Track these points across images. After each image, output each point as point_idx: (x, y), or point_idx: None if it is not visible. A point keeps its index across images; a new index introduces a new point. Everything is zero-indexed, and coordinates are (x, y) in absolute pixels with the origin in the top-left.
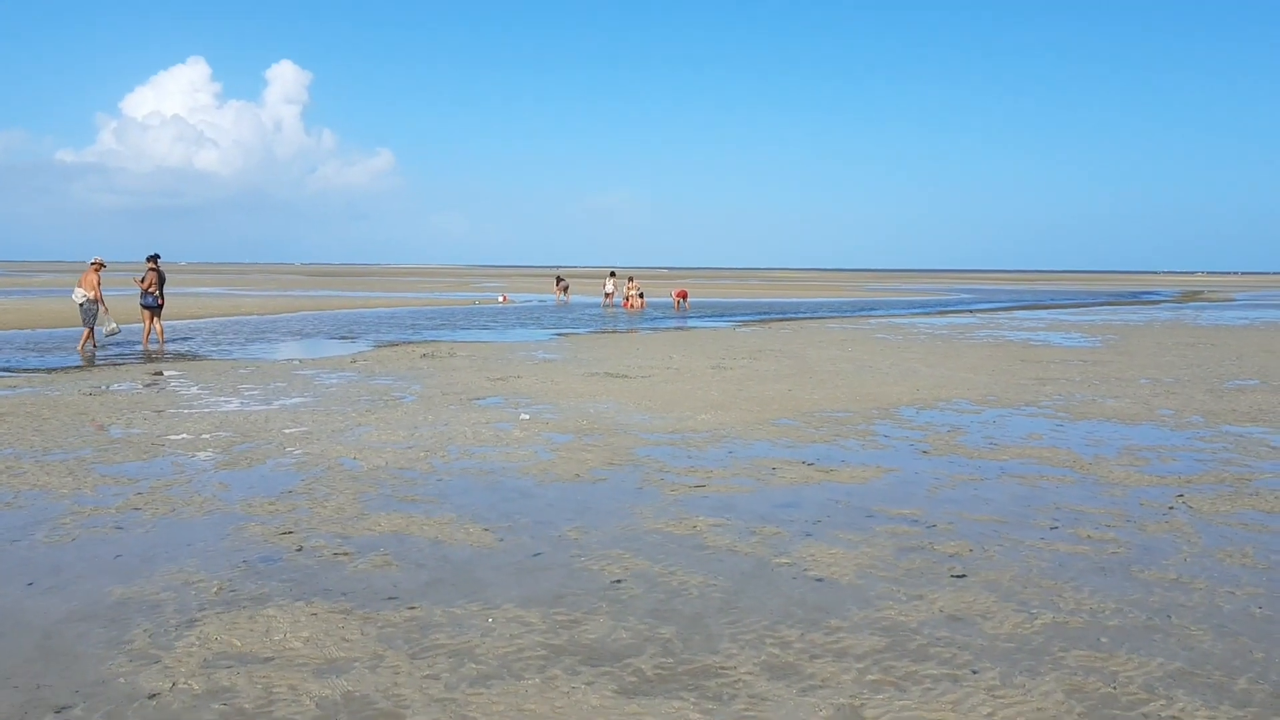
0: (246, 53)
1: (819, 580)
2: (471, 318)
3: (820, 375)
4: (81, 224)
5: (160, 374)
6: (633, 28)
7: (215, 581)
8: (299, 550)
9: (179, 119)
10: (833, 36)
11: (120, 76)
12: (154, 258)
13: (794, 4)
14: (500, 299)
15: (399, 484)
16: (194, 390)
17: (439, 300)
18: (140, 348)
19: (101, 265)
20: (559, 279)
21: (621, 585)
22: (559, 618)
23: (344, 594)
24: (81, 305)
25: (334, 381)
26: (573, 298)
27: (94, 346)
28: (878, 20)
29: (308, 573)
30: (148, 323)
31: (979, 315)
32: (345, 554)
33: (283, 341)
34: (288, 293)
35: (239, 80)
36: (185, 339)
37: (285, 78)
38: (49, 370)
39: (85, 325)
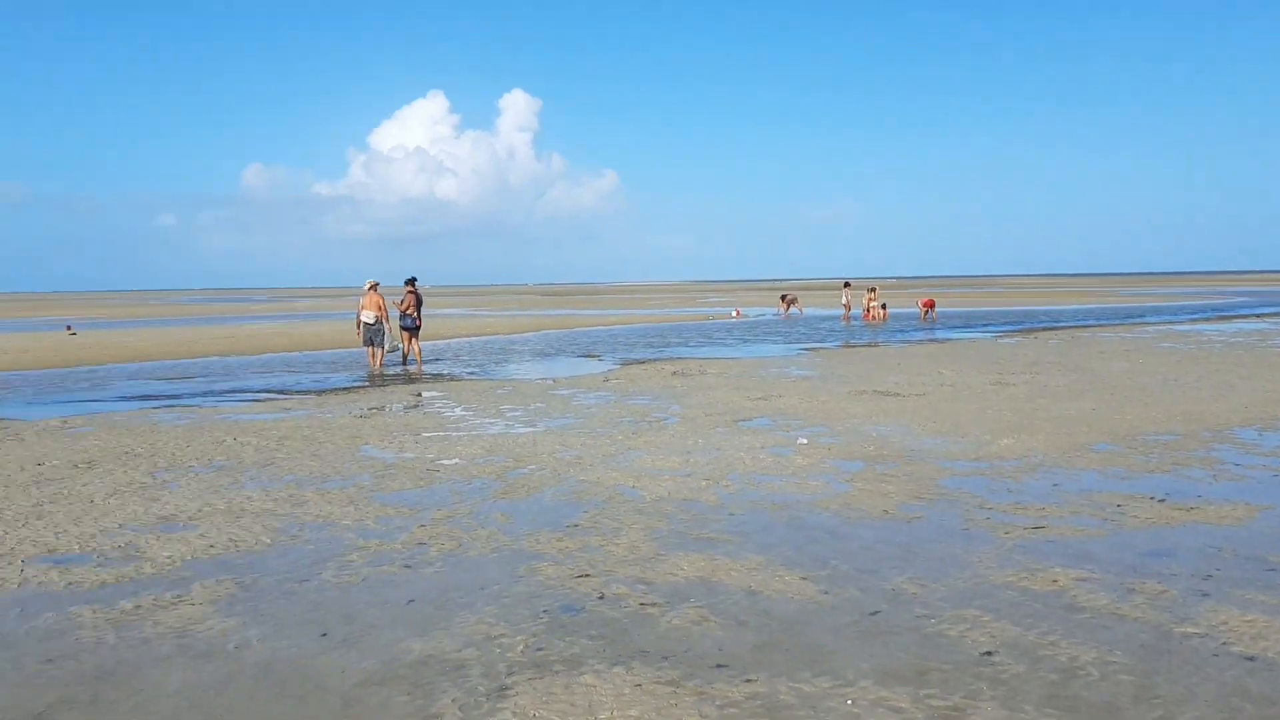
0: (481, 84)
1: (1250, 659)
2: (708, 333)
3: (1121, 391)
4: (334, 253)
5: (423, 395)
6: (848, 44)
7: (519, 637)
8: (601, 598)
9: (421, 150)
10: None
11: (369, 113)
12: (412, 281)
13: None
14: (733, 314)
15: (689, 519)
16: (458, 412)
17: (670, 316)
18: (400, 369)
19: (376, 285)
20: (784, 295)
21: (995, 659)
22: (935, 703)
23: (665, 658)
24: (370, 325)
25: (592, 401)
26: (805, 310)
27: (381, 365)
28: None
29: (617, 627)
30: (406, 344)
31: (1269, 320)
32: (653, 605)
33: (532, 360)
34: (526, 312)
35: (475, 111)
36: (440, 359)
37: (517, 106)
38: (318, 393)
39: (372, 345)
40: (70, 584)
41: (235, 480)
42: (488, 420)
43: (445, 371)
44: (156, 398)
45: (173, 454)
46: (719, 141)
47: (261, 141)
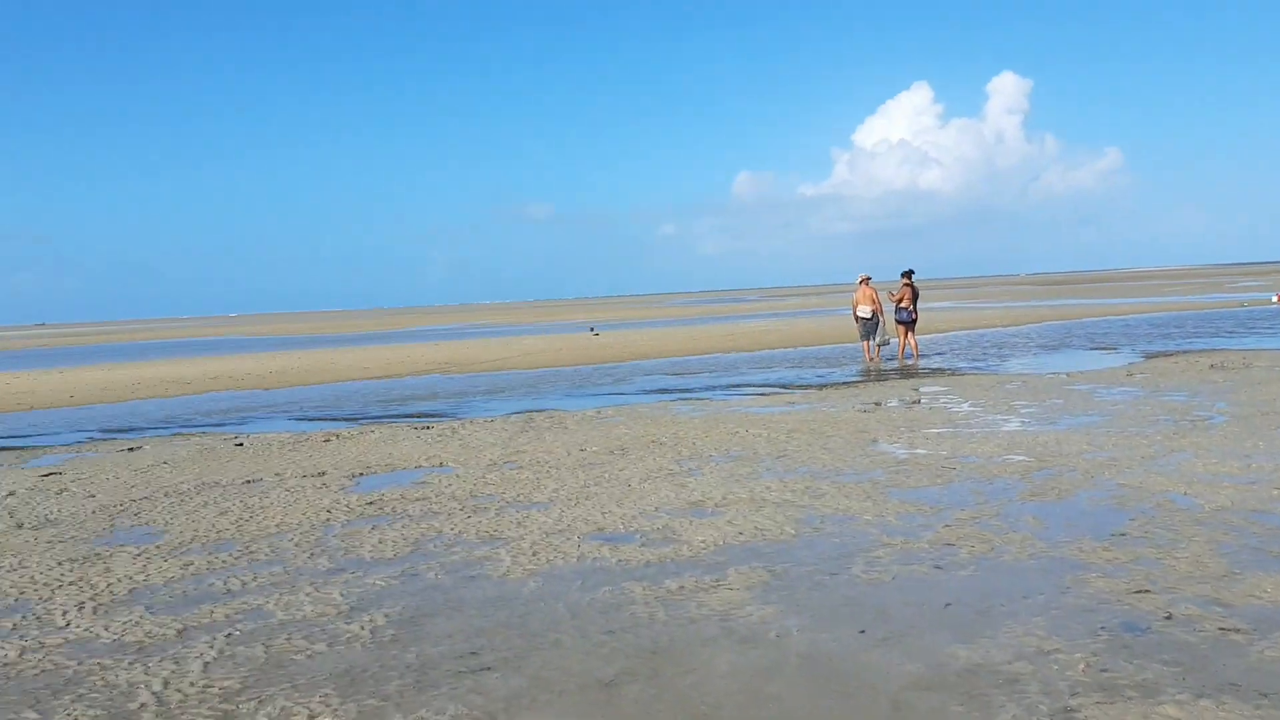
0: (967, 71)
1: None
2: (1246, 321)
3: None
4: (818, 250)
5: (925, 390)
6: None
7: (1077, 654)
8: (1168, 618)
9: (904, 143)
10: None
11: (852, 111)
12: (909, 273)
13: None
14: (1274, 299)
15: (1265, 534)
16: (966, 408)
17: (1192, 304)
18: (897, 363)
19: (868, 279)
20: None
21: None
22: None
23: (1263, 695)
24: (866, 320)
25: (1117, 397)
26: None
27: (876, 358)
28: None
29: (1195, 654)
30: (903, 338)
31: None
32: (1235, 631)
33: (1036, 353)
34: (1022, 303)
35: (960, 99)
36: (935, 353)
37: (1005, 89)
38: (819, 387)
39: (865, 339)
40: (620, 561)
41: (753, 470)
42: (1000, 417)
43: (944, 366)
44: (672, 391)
45: (693, 443)
46: (1236, 107)
47: (750, 150)
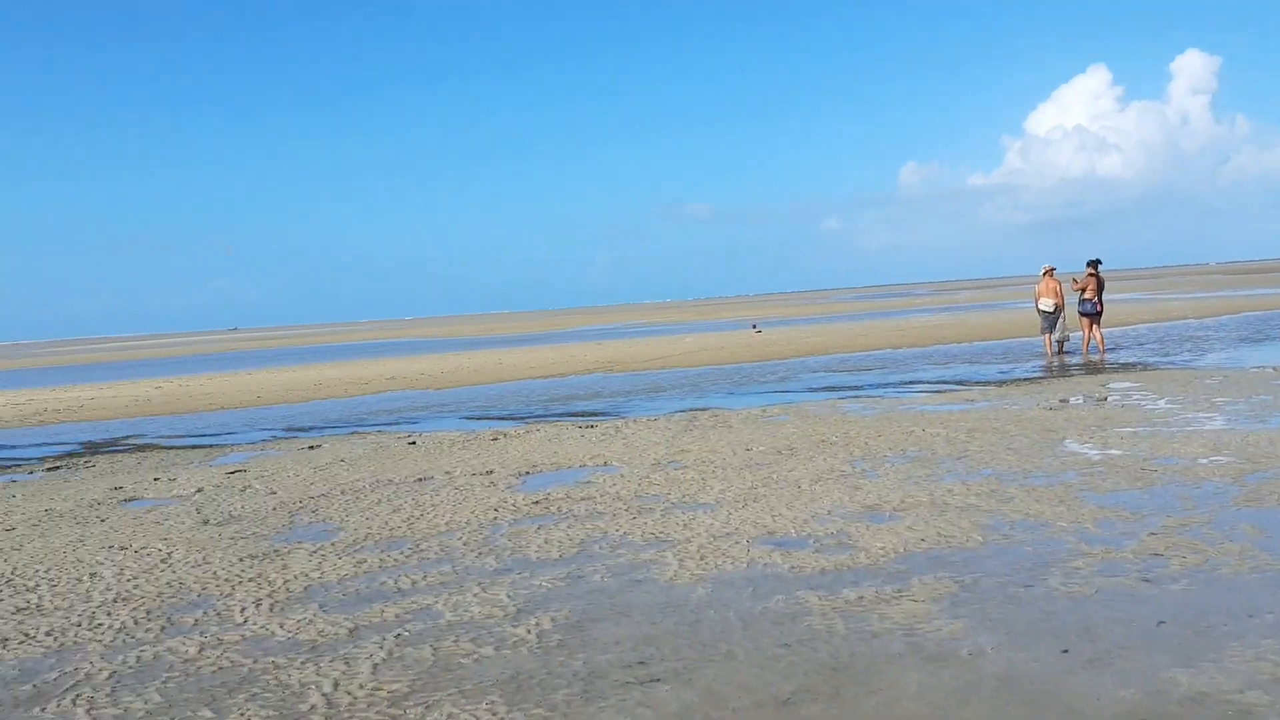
0: (1148, 51)
1: None
2: None
3: None
4: (989, 242)
5: (1114, 386)
6: None
7: None
8: None
9: (1080, 129)
10: None
11: (1023, 97)
12: (1095, 263)
13: None
14: None
15: None
16: (1162, 405)
17: None
18: (1080, 357)
19: (1052, 270)
20: None
21: None
22: None
23: None
24: (1048, 313)
25: None
26: None
27: (1058, 354)
28: None
29: None
30: (1087, 330)
31: None
32: None
33: (1234, 346)
34: (1214, 294)
35: (1140, 80)
36: (1121, 347)
37: (1191, 68)
38: (998, 383)
39: (1045, 333)
40: (794, 568)
41: (932, 472)
42: (1201, 414)
43: (1132, 360)
44: (840, 389)
45: (865, 443)
46: None
47: (916, 140)
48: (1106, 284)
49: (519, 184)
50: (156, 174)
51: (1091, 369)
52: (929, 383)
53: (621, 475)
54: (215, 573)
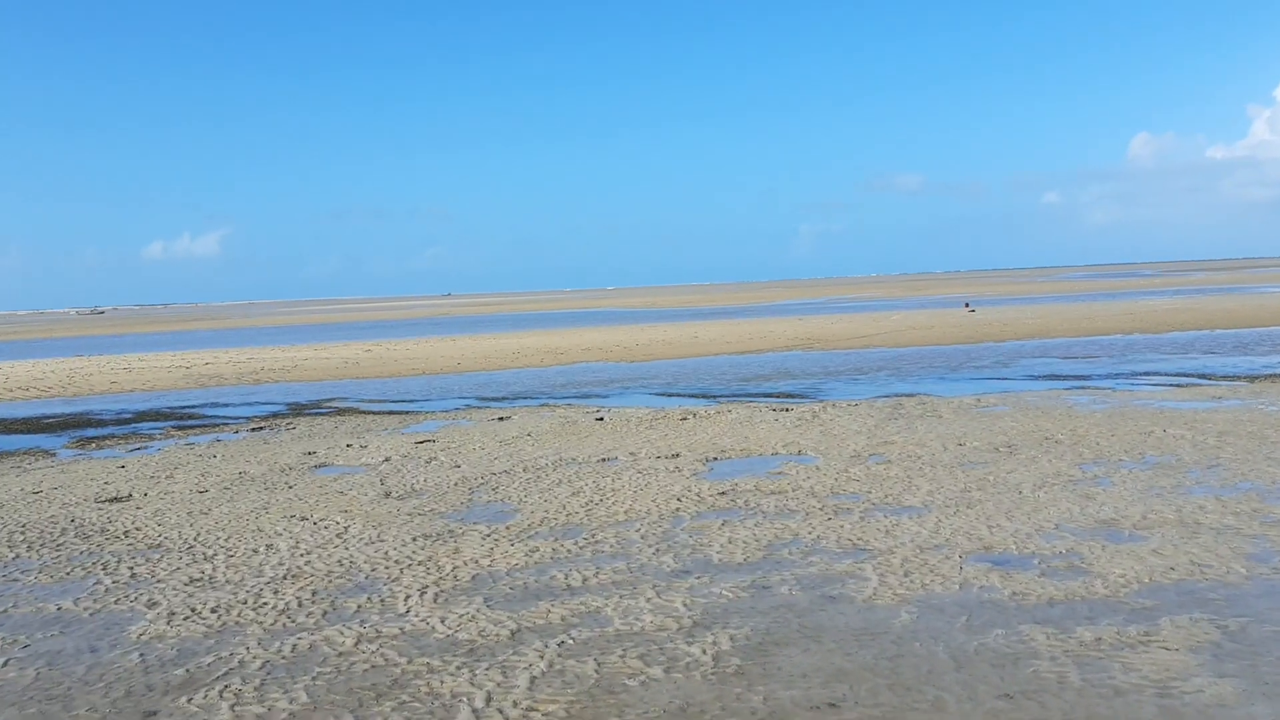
0: None
1: None
2: None
3: None
4: (1225, 220)
5: None
6: None
7: None
8: None
9: None
10: None
11: (1272, 62)
12: None
13: None
14: None
15: None
16: None
17: None
18: None
19: None
20: None
21: None
22: None
23: None
24: None
25: None
26: None
27: None
28: None
29: None
30: None
31: None
32: None
33: None
34: None
35: None
36: None
37: None
38: (1249, 378)
39: None
40: (1015, 594)
41: (1178, 482)
42: None
43: None
44: (1064, 378)
45: (1096, 443)
46: None
47: (1149, 108)
48: None
49: (723, 155)
50: (375, 146)
51: None
52: (1167, 375)
53: (817, 467)
54: (387, 552)
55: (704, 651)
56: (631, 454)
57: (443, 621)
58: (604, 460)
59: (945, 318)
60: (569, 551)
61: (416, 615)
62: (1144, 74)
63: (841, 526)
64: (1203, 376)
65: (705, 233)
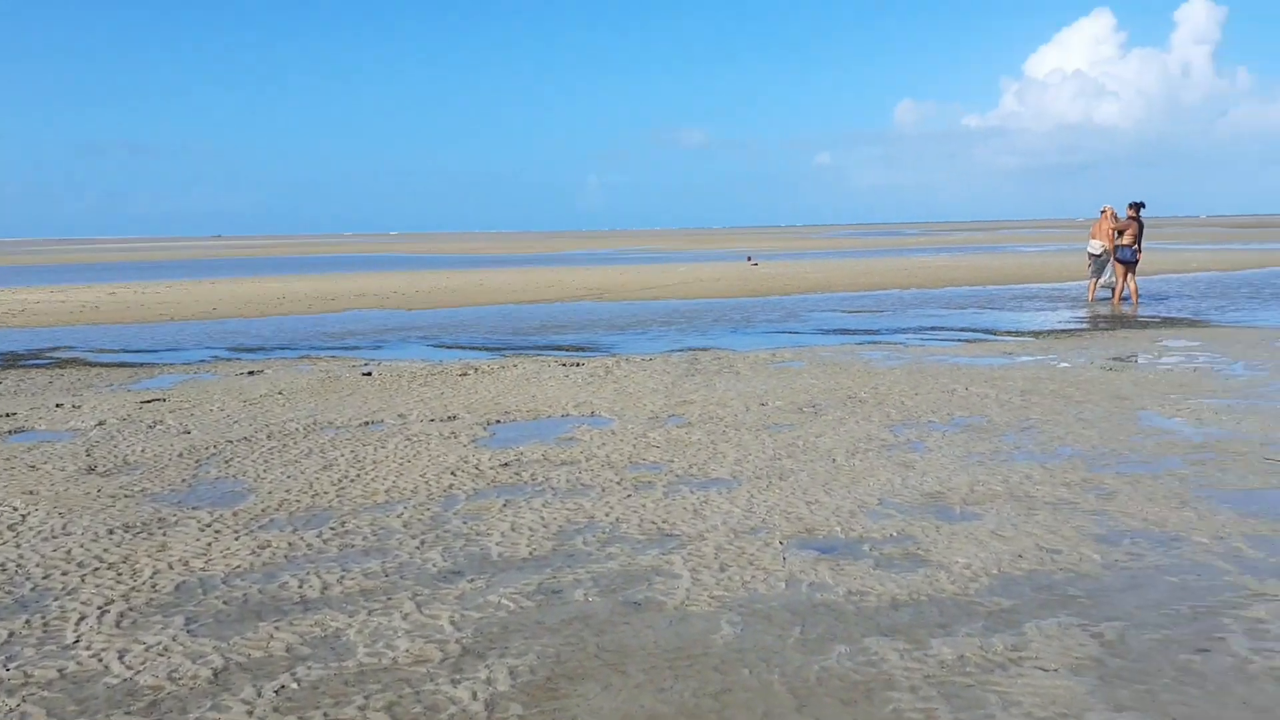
0: None
1: None
2: None
3: None
4: (979, 185)
5: (1172, 344)
6: None
7: None
8: None
9: (1080, 74)
10: None
11: (1024, 39)
12: (1137, 206)
13: None
14: None
15: None
16: (1239, 370)
17: None
18: (1109, 306)
19: (1110, 212)
20: None
21: None
22: None
23: None
24: (1096, 255)
25: None
26: None
27: (1096, 301)
28: None
29: None
30: (1121, 279)
31: None
32: None
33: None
34: (1224, 246)
35: (1144, 27)
36: (1156, 298)
37: (1196, 18)
38: (1035, 334)
39: (1093, 277)
40: (852, 594)
41: (995, 447)
42: None
43: (1175, 314)
44: (854, 332)
45: (901, 402)
46: None
47: (913, 77)
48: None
49: (511, 102)
50: (140, 77)
51: (1137, 323)
52: (954, 330)
53: (612, 431)
54: (70, 550)
55: (474, 696)
56: (401, 416)
57: (121, 658)
58: (367, 424)
59: (731, 270)
60: (310, 547)
61: (88, 647)
62: (909, 43)
63: (644, 506)
64: (988, 332)
65: (493, 181)
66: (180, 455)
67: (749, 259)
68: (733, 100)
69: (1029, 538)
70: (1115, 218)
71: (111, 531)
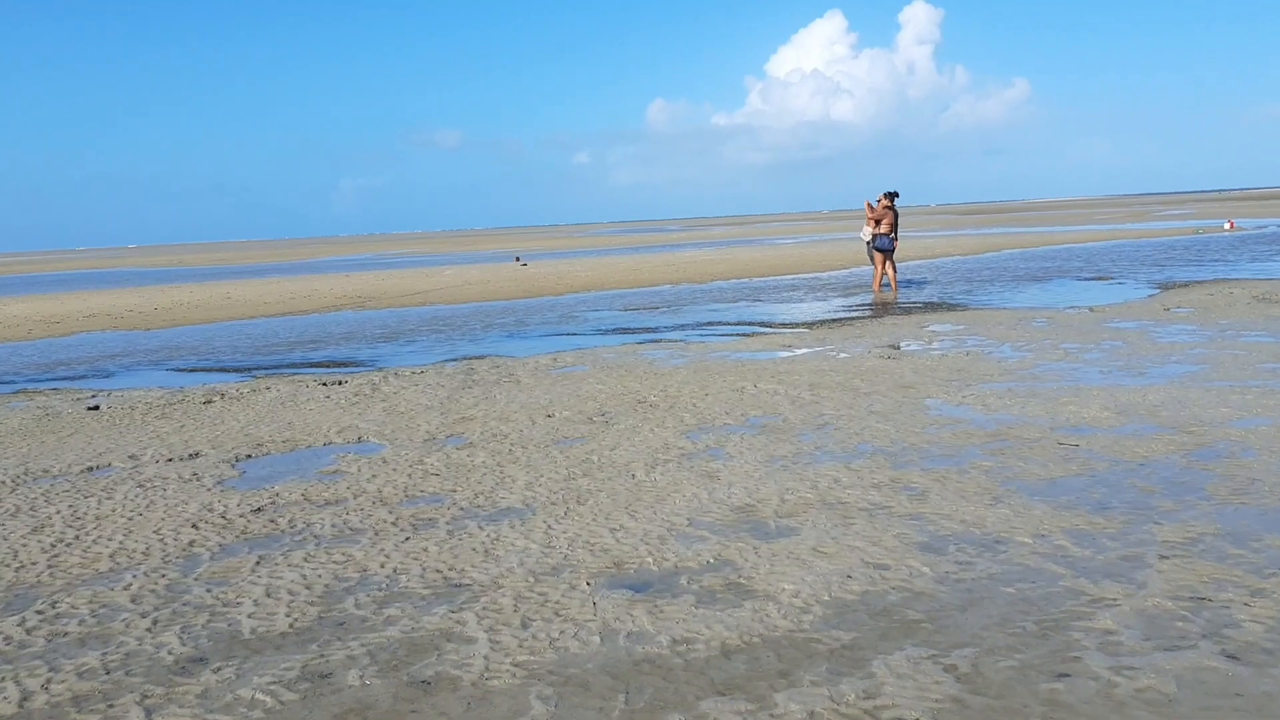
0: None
1: None
2: (1220, 250)
3: None
4: (730, 181)
5: (937, 328)
6: None
7: None
8: None
9: (817, 73)
10: None
11: (766, 40)
12: (892, 195)
13: None
14: (1226, 226)
15: None
16: (1008, 352)
17: (1141, 232)
18: (873, 296)
19: (883, 199)
20: None
21: None
22: None
23: None
24: (867, 242)
25: (1183, 339)
26: None
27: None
28: None
29: None
30: (879, 266)
31: None
32: None
33: (1029, 284)
34: (955, 232)
35: (873, 28)
36: (910, 283)
37: (918, 19)
38: (808, 325)
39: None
40: (677, 643)
41: (796, 449)
42: (1065, 365)
43: (932, 299)
44: (632, 330)
45: (693, 405)
46: (1142, 37)
47: (664, 77)
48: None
49: (254, 103)
50: None
51: (900, 309)
52: (730, 324)
53: (383, 459)
54: None
55: None
56: (132, 457)
57: None
58: (91, 470)
59: (499, 272)
60: (9, 640)
61: None
62: (659, 43)
63: (425, 550)
64: (764, 325)
65: (237, 186)
66: None
67: (517, 259)
68: (488, 102)
69: (853, 552)
70: (871, 207)
71: None
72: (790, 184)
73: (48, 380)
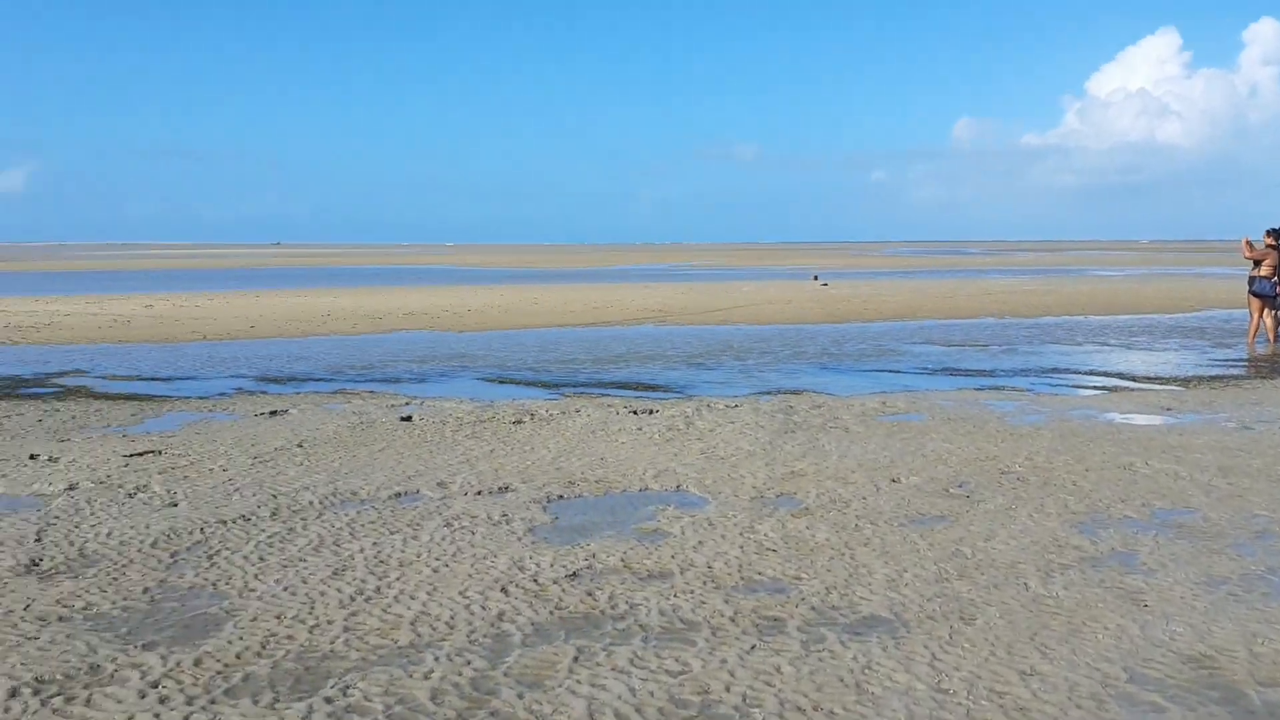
0: (1221, 16)
1: None
2: None
3: None
4: (1037, 203)
5: None
6: None
7: None
8: None
9: (1144, 93)
10: None
11: (1087, 57)
12: (1276, 233)
13: None
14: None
15: None
16: None
17: None
18: (1244, 349)
19: (1268, 241)
20: None
21: None
22: None
23: None
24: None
25: None
26: None
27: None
28: None
29: None
30: (1257, 315)
31: None
32: None
33: None
34: None
35: (1211, 46)
36: None
37: (1264, 37)
38: (1185, 381)
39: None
40: None
41: (1240, 568)
42: None
43: None
44: (965, 373)
45: (1074, 483)
46: None
47: (972, 94)
48: (1172, 258)
49: (565, 115)
50: (197, 84)
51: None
52: (1082, 374)
53: (709, 521)
54: None
55: None
56: (441, 485)
57: None
58: (399, 496)
59: (799, 291)
60: None
61: None
62: (968, 60)
63: (779, 670)
64: (1124, 377)
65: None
66: (154, 545)
67: (815, 278)
68: (787, 116)
69: None
70: (1251, 245)
71: (14, 693)
72: (1104, 209)
73: (365, 380)
